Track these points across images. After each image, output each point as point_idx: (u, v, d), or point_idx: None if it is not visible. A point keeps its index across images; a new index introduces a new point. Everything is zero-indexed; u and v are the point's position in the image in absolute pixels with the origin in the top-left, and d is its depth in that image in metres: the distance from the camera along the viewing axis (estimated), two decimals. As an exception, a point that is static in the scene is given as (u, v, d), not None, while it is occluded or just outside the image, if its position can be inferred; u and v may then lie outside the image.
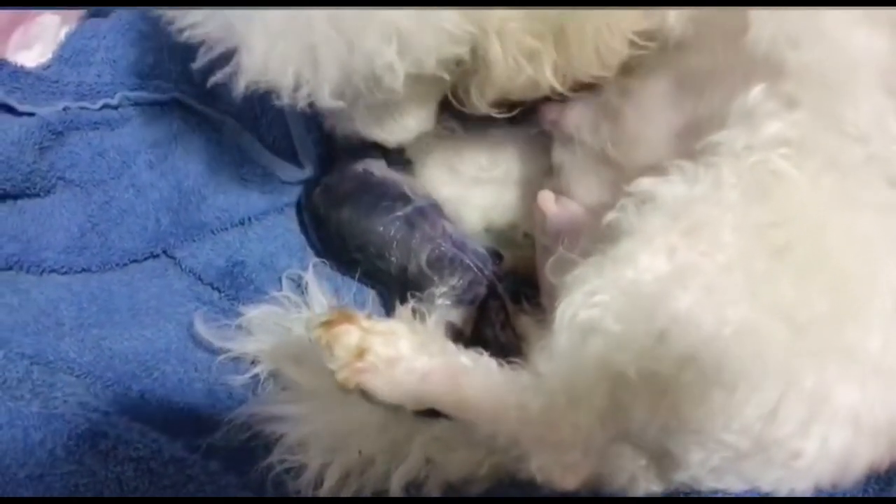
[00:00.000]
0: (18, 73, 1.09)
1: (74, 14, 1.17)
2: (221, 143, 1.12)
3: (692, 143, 0.80)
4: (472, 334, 1.01)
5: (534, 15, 0.83)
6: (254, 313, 1.00)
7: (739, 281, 0.71)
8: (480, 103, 0.93)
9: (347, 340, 0.75)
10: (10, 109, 1.06)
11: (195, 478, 0.88)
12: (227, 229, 1.08)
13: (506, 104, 0.96)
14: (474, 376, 0.77)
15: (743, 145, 0.75)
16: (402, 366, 0.75)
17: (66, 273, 1.05)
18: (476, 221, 1.11)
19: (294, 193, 1.11)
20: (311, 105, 1.04)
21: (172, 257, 1.08)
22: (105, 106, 1.11)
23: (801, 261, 0.71)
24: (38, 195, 1.06)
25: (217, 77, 0.85)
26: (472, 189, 1.11)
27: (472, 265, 1.02)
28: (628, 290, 0.72)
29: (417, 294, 0.98)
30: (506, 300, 1.02)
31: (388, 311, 1.04)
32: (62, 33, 1.16)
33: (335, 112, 0.93)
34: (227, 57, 0.83)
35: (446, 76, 0.88)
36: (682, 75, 0.88)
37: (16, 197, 1.05)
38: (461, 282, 1.01)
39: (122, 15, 1.16)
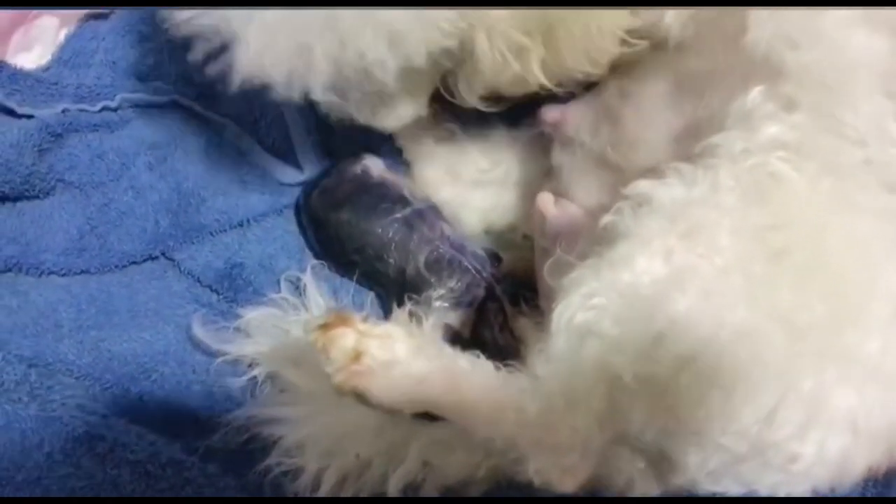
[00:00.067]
0: (17, 75, 1.09)
1: (74, 16, 1.16)
2: (221, 146, 1.12)
3: (691, 145, 0.80)
4: (470, 336, 1.01)
5: (522, 11, 0.83)
6: (252, 315, 1.00)
7: (737, 284, 0.70)
8: (469, 96, 0.93)
9: (343, 343, 0.75)
10: (10, 112, 1.06)
11: (193, 480, 0.89)
12: (225, 231, 1.08)
13: (497, 99, 0.95)
14: (471, 379, 0.77)
15: (741, 148, 0.74)
16: (398, 369, 0.75)
17: (65, 275, 1.04)
18: (475, 223, 1.10)
19: (293, 195, 1.11)
20: (306, 100, 1.06)
21: (171, 259, 1.07)
22: (104, 108, 1.11)
23: (799, 264, 0.70)
24: (37, 197, 1.06)
25: (212, 70, 0.84)
26: (472, 191, 1.10)
27: (470, 267, 1.02)
28: (625, 293, 0.72)
29: (415, 297, 0.98)
30: (504, 302, 1.02)
31: (387, 312, 1.04)
32: (61, 35, 1.16)
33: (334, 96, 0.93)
34: (222, 51, 0.83)
35: (436, 69, 0.88)
36: (681, 77, 0.88)
37: (15, 199, 1.05)
38: (459, 284, 1.01)
39: (121, 17, 1.16)
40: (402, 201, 1.05)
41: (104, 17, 1.17)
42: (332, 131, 1.13)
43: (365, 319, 0.77)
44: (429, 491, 0.87)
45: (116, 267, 1.06)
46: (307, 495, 0.89)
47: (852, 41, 0.74)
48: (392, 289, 1.03)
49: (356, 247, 1.04)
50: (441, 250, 1.02)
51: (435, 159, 1.11)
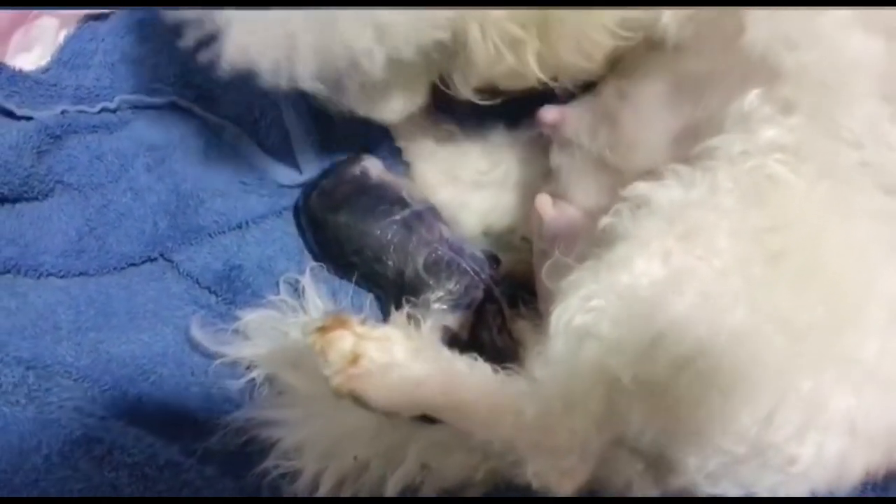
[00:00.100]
0: (17, 76, 1.09)
1: (73, 17, 1.16)
2: (219, 147, 1.12)
3: (690, 147, 0.80)
4: (468, 338, 1.01)
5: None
6: (250, 317, 1.00)
7: (736, 286, 0.70)
8: (464, 88, 0.93)
9: (341, 346, 0.74)
10: (9, 113, 1.06)
11: (191, 483, 0.89)
12: (224, 233, 1.08)
13: (494, 93, 0.95)
14: (469, 382, 0.77)
15: (739, 150, 0.74)
16: (396, 371, 0.75)
17: (63, 277, 1.04)
18: (474, 225, 1.10)
19: (292, 197, 1.11)
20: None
21: (170, 261, 1.07)
22: (103, 109, 1.11)
23: (797, 266, 0.70)
24: (35, 199, 1.06)
25: (203, 57, 0.85)
26: (471, 192, 1.10)
27: (469, 269, 1.02)
28: (624, 295, 0.72)
29: (413, 300, 0.98)
30: (503, 304, 1.02)
31: (386, 314, 1.04)
32: (61, 36, 1.16)
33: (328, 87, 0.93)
34: (212, 40, 0.84)
35: (430, 60, 0.88)
36: (680, 78, 0.87)
37: (14, 201, 1.05)
38: (458, 286, 1.01)
39: (120, 18, 1.16)
40: (401, 203, 1.04)
41: (104, 18, 1.17)
42: (332, 132, 1.13)
43: (363, 322, 0.77)
44: (427, 493, 0.87)
45: (115, 268, 1.06)
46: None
47: (849, 43, 0.74)
48: (391, 290, 1.03)
49: (355, 248, 1.04)
50: (440, 252, 1.02)
51: (434, 160, 1.11)
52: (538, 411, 0.74)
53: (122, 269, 1.06)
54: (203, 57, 0.85)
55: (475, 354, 0.83)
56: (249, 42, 0.81)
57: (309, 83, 0.85)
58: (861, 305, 0.72)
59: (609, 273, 0.73)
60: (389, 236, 1.03)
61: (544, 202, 0.96)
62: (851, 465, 0.75)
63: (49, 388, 0.91)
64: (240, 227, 1.09)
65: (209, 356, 1.00)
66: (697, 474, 0.76)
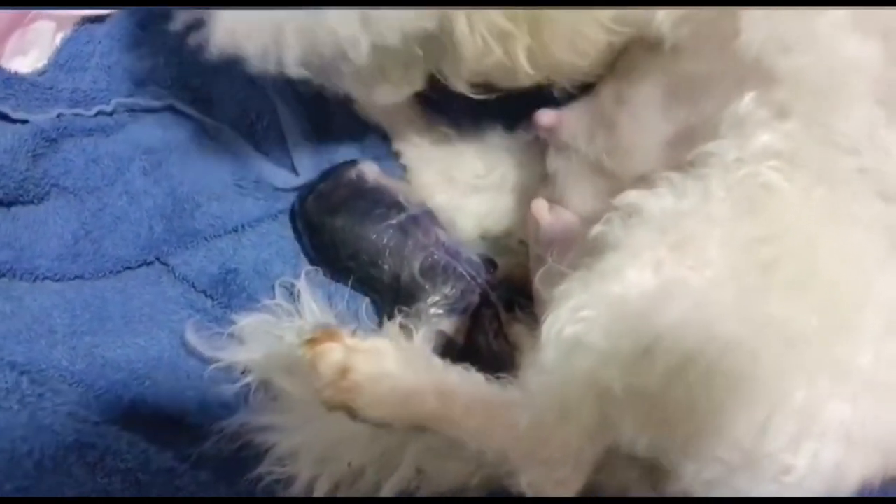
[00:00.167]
0: (12, 79, 1.09)
1: (70, 20, 1.16)
2: (216, 150, 1.11)
3: (685, 152, 0.79)
4: (464, 343, 1.01)
5: None
6: (245, 322, 1.00)
7: (728, 296, 0.70)
8: (456, 81, 0.92)
9: (331, 358, 0.74)
10: (4, 117, 1.06)
11: (184, 488, 0.89)
12: (220, 236, 1.07)
13: (489, 88, 0.94)
14: (462, 393, 0.77)
15: (734, 157, 0.73)
16: (387, 384, 0.75)
17: (59, 280, 1.04)
18: (471, 229, 1.10)
19: (288, 200, 1.10)
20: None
21: (166, 264, 1.07)
22: (99, 112, 1.11)
23: (790, 275, 0.70)
24: (31, 202, 1.06)
25: (192, 41, 0.85)
26: (468, 196, 1.10)
27: (465, 274, 1.01)
28: (615, 306, 0.71)
29: (405, 309, 0.97)
30: (499, 308, 1.01)
31: (382, 318, 1.03)
32: (58, 39, 1.16)
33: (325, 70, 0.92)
34: (201, 24, 0.84)
35: (417, 50, 0.87)
36: (676, 81, 0.87)
37: (9, 204, 1.04)
38: (454, 290, 1.00)
39: (117, 21, 1.16)
40: (397, 207, 1.04)
41: (100, 20, 1.16)
42: (328, 135, 1.13)
43: (354, 334, 0.78)
44: (422, 499, 0.87)
45: (111, 272, 1.05)
46: (301, 503, 0.89)
47: (845, 46, 0.73)
48: (387, 295, 1.03)
49: (351, 252, 1.03)
50: (436, 256, 1.01)
51: (431, 164, 1.11)
52: (531, 421, 0.74)
53: (118, 272, 1.05)
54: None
55: (468, 364, 0.83)
56: (237, 27, 0.81)
57: (295, 69, 0.84)
58: (856, 313, 0.71)
59: (600, 283, 0.72)
60: (385, 240, 1.02)
61: (540, 207, 0.95)
62: (847, 474, 0.74)
63: (42, 394, 0.91)
64: (236, 230, 1.08)
65: (204, 361, 1.00)
66: (693, 482, 0.75)
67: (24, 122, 1.06)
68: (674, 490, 0.77)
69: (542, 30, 0.83)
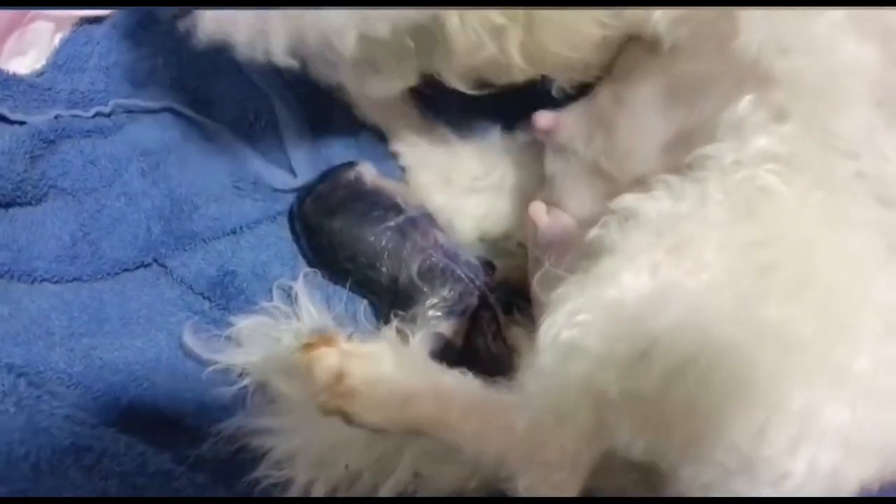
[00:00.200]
0: (10, 80, 1.08)
1: (68, 20, 1.16)
2: (214, 152, 1.11)
3: (683, 154, 0.79)
4: (463, 345, 1.00)
5: None
6: (243, 324, 0.99)
7: (725, 300, 0.69)
8: (449, 75, 0.91)
9: (326, 363, 0.74)
10: (2, 118, 1.06)
11: (181, 491, 0.89)
12: (218, 238, 1.07)
13: (484, 84, 0.94)
14: (458, 397, 0.76)
15: (731, 160, 0.73)
16: (382, 389, 0.75)
17: (57, 282, 1.03)
18: (469, 230, 1.10)
19: (286, 202, 1.10)
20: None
21: (164, 266, 1.06)
22: (98, 114, 1.10)
23: (788, 280, 0.69)
24: (29, 204, 1.05)
25: (182, 26, 0.85)
26: (466, 198, 1.10)
27: (463, 276, 1.01)
28: (611, 309, 0.71)
29: (401, 313, 0.97)
30: (497, 311, 1.01)
31: (380, 320, 1.03)
32: (56, 40, 1.16)
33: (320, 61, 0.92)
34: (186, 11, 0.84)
35: (409, 42, 0.86)
36: (674, 83, 0.86)
37: (7, 205, 1.04)
38: (452, 293, 1.00)
39: (115, 21, 1.16)
40: (396, 209, 1.04)
41: (99, 21, 1.16)
42: (327, 137, 1.13)
43: (350, 338, 0.77)
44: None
45: (109, 274, 1.05)
46: (298, 506, 0.88)
47: (843, 48, 0.73)
48: (385, 297, 1.03)
49: (348, 255, 1.03)
50: (434, 259, 1.01)
51: (429, 165, 1.11)
52: (528, 425, 0.74)
53: (116, 274, 1.05)
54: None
55: (466, 366, 0.82)
56: (223, 15, 0.80)
57: (283, 58, 0.84)
58: (854, 317, 0.71)
59: (596, 287, 0.72)
60: (383, 242, 1.02)
61: (538, 210, 0.95)
62: (845, 479, 0.74)
63: (39, 396, 0.91)
64: (234, 232, 1.08)
65: (202, 363, 0.99)
66: (690, 486, 0.75)
67: (22, 123, 1.06)
68: (671, 493, 0.77)
69: (535, 24, 0.83)
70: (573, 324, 0.71)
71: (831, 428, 0.71)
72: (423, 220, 1.04)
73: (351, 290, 1.05)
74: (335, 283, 1.06)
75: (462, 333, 1.00)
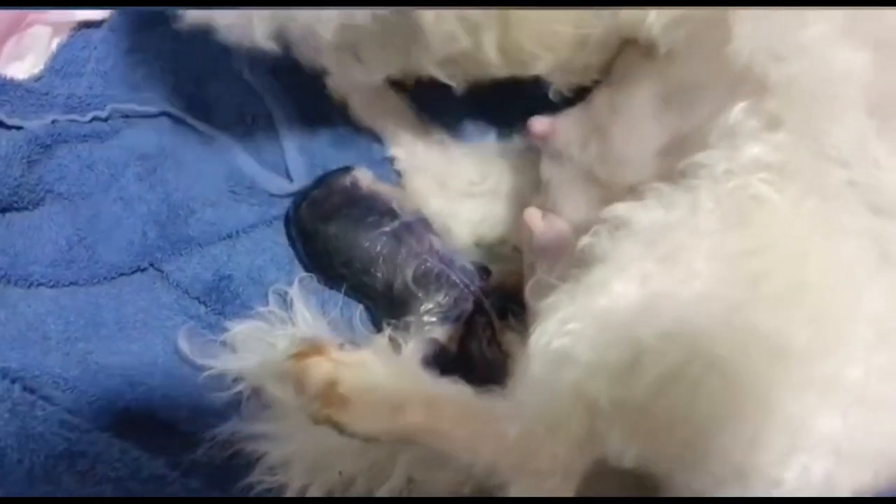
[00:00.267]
0: (7, 85, 1.08)
1: (66, 25, 1.16)
2: (210, 156, 1.11)
3: (676, 161, 0.78)
4: (458, 350, 1.00)
5: None
6: (238, 329, 0.99)
7: (716, 309, 0.69)
8: (428, 66, 0.91)
9: (317, 372, 0.74)
10: (-1, 123, 1.06)
11: (175, 496, 0.88)
12: (214, 243, 1.07)
13: (464, 76, 0.94)
14: (449, 405, 0.76)
15: (724, 168, 0.73)
16: (373, 397, 0.75)
17: (53, 286, 1.03)
18: (466, 235, 1.10)
19: (283, 207, 1.10)
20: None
21: (160, 271, 1.06)
22: (94, 118, 1.11)
23: (779, 288, 0.69)
24: (26, 208, 1.05)
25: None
26: (462, 203, 1.10)
27: (458, 281, 1.01)
28: (601, 318, 0.71)
29: (393, 322, 0.97)
30: (492, 316, 1.01)
31: (376, 326, 1.04)
32: (54, 44, 1.16)
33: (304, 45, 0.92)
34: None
35: (389, 31, 0.86)
36: (669, 89, 0.86)
37: (4, 210, 1.04)
38: (447, 298, 1.00)
39: (113, 26, 1.16)
40: (391, 214, 1.04)
41: (97, 26, 1.17)
42: (323, 141, 1.13)
43: (341, 347, 0.77)
44: (415, 508, 0.87)
45: (105, 278, 1.05)
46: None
47: (835, 56, 0.72)
48: (380, 302, 1.03)
49: (344, 260, 1.03)
50: (429, 264, 1.01)
51: (425, 170, 1.11)
52: (520, 433, 0.74)
53: (112, 278, 1.05)
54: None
55: (461, 372, 0.82)
56: None
57: (264, 42, 0.84)
58: (846, 326, 0.70)
59: (586, 296, 0.72)
60: (378, 248, 1.02)
61: (533, 215, 0.95)
62: (838, 488, 0.73)
63: (34, 402, 0.90)
64: (230, 236, 1.08)
65: (198, 367, 0.99)
66: (683, 492, 0.75)
67: (19, 128, 1.06)
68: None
69: (510, 22, 0.82)
70: (564, 332, 0.71)
71: (823, 436, 0.70)
72: (419, 226, 1.04)
73: (346, 295, 1.05)
74: (331, 289, 1.06)
75: (457, 339, 1.00)
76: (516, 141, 1.09)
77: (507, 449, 0.74)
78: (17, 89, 1.09)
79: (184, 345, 1.00)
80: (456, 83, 0.97)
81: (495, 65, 0.86)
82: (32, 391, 0.93)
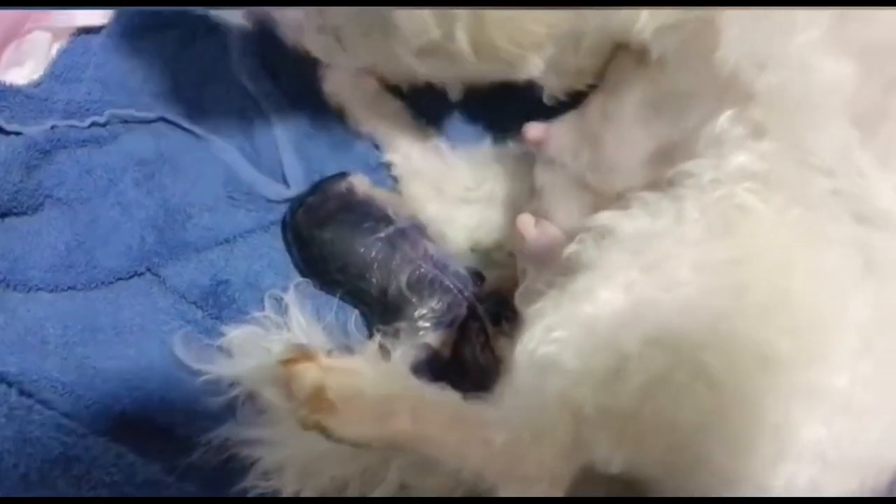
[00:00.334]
0: (7, 91, 1.09)
1: (66, 31, 1.17)
2: (208, 162, 1.11)
3: (666, 169, 0.79)
4: (451, 356, 1.01)
5: None
6: (234, 334, 1.00)
7: (701, 318, 0.69)
8: (405, 54, 0.90)
9: (306, 378, 0.74)
10: (-1, 129, 1.07)
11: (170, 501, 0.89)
12: (211, 248, 1.07)
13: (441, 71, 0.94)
14: (436, 411, 0.77)
15: (710, 178, 0.73)
16: (360, 403, 0.75)
17: (52, 291, 1.04)
18: (462, 241, 1.10)
19: (280, 212, 1.10)
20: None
21: (157, 275, 1.07)
22: (93, 124, 1.11)
23: (764, 298, 0.69)
24: (25, 213, 1.06)
25: None
26: (458, 208, 1.10)
27: (452, 287, 1.01)
28: (587, 326, 0.71)
29: (383, 327, 0.98)
30: (486, 322, 1.01)
31: (371, 331, 1.04)
32: (54, 50, 1.17)
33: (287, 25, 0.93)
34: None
35: (370, 17, 0.86)
36: (659, 95, 0.86)
37: (3, 215, 1.05)
38: (441, 304, 1.01)
39: (112, 32, 1.17)
40: (386, 220, 1.04)
41: (96, 32, 1.17)
42: (320, 147, 1.13)
43: (330, 353, 0.77)
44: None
45: (103, 283, 1.05)
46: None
47: (819, 65, 0.73)
48: (375, 307, 1.03)
49: (339, 265, 1.04)
50: (423, 270, 1.02)
51: (421, 175, 1.11)
52: (506, 440, 0.74)
53: (110, 283, 1.06)
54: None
55: (453, 377, 0.83)
56: None
57: (238, 18, 0.84)
58: (831, 334, 0.71)
59: (572, 303, 0.72)
60: (373, 253, 1.02)
61: (526, 222, 0.95)
62: (824, 495, 0.74)
63: (31, 406, 0.92)
64: (227, 241, 1.08)
65: (194, 372, 1.00)
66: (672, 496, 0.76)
67: (18, 133, 1.07)
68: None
69: (482, 16, 0.82)
70: (550, 340, 0.72)
71: (809, 444, 0.71)
72: (413, 231, 1.05)
73: (342, 300, 1.05)
74: (326, 294, 1.06)
75: (450, 344, 1.01)
76: (512, 146, 1.09)
77: (493, 455, 0.75)
78: (16, 95, 1.10)
79: (180, 349, 1.00)
80: (449, 86, 0.97)
81: (470, 59, 0.85)
82: (30, 395, 0.94)
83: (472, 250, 1.10)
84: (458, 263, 1.05)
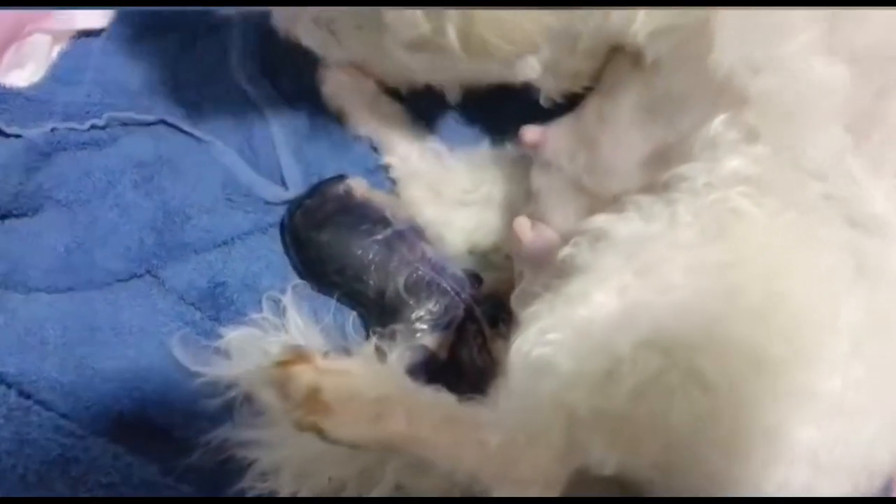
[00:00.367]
0: (7, 94, 1.10)
1: (66, 33, 1.18)
2: (207, 164, 1.12)
3: (660, 173, 0.79)
4: (448, 357, 1.01)
5: None
6: (231, 336, 1.00)
7: (694, 321, 0.70)
8: (396, 48, 0.90)
9: (301, 380, 0.75)
10: (-1, 131, 1.07)
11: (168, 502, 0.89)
12: (210, 249, 1.08)
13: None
14: (431, 413, 0.77)
15: (703, 182, 0.73)
16: (355, 405, 0.75)
17: (52, 292, 1.05)
18: (459, 243, 1.10)
19: (278, 214, 1.11)
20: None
21: (156, 277, 1.07)
22: (93, 126, 1.12)
23: (757, 301, 0.70)
24: (25, 215, 1.07)
25: None
26: (456, 211, 1.10)
27: (449, 289, 1.02)
28: (581, 328, 0.72)
29: (380, 330, 0.98)
30: (483, 324, 1.01)
31: (368, 333, 1.04)
32: (54, 52, 1.17)
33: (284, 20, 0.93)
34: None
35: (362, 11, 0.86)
36: (655, 99, 0.86)
37: (3, 217, 1.06)
38: (438, 306, 1.01)
39: (112, 35, 1.17)
40: (383, 222, 1.05)
41: (96, 34, 1.18)
42: (319, 149, 1.14)
43: (325, 355, 0.78)
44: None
45: (102, 284, 1.06)
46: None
47: (813, 69, 0.73)
48: (372, 310, 1.04)
49: (337, 268, 1.04)
50: (420, 272, 1.02)
51: (419, 178, 1.11)
52: (501, 442, 0.74)
53: (109, 284, 1.06)
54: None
55: (449, 380, 0.83)
56: None
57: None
58: (824, 338, 0.71)
59: (566, 306, 0.72)
60: (371, 256, 1.03)
61: (522, 225, 0.96)
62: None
63: (29, 407, 0.92)
64: (225, 243, 1.09)
65: (192, 373, 1.00)
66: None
67: (18, 136, 1.08)
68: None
69: (473, 12, 0.81)
70: (544, 342, 0.72)
71: (801, 447, 0.71)
72: (411, 234, 1.05)
73: (339, 302, 1.06)
74: (324, 296, 1.07)
75: (447, 346, 1.01)
76: (510, 149, 1.10)
77: (488, 457, 0.75)
78: (16, 98, 1.11)
79: (179, 351, 1.00)
80: (447, 89, 0.97)
81: (460, 54, 0.84)
82: (28, 396, 0.94)
83: (470, 253, 1.10)
84: (455, 266, 1.05)
